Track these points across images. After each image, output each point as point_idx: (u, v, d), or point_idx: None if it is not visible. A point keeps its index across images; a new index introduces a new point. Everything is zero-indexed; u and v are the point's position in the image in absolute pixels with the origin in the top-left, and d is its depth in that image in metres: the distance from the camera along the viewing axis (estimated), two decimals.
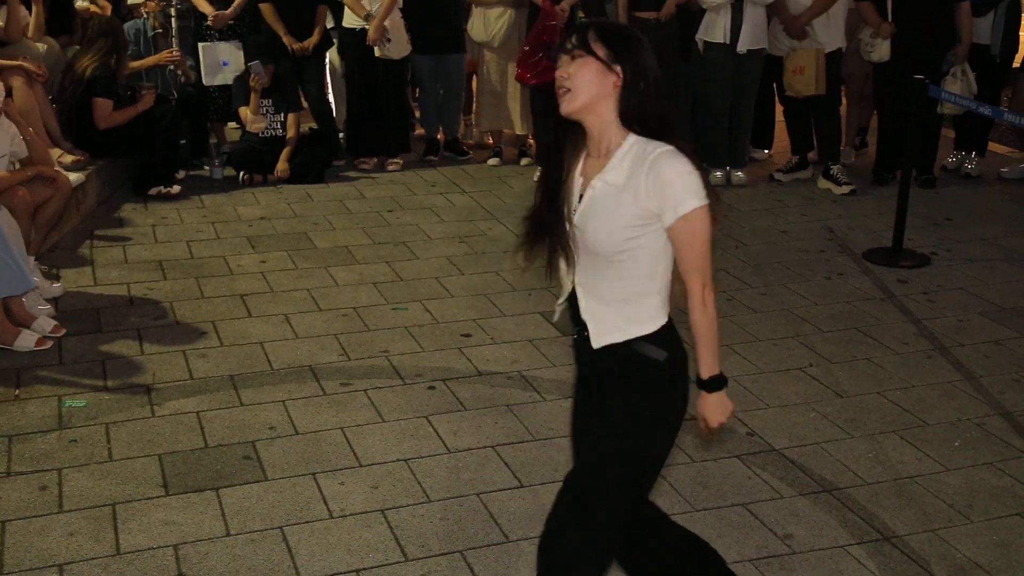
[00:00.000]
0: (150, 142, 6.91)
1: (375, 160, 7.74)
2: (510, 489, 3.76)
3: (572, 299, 2.74)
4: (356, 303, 5.36)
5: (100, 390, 4.42)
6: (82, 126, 6.71)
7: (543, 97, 7.33)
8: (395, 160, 7.76)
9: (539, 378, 4.59)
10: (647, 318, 2.61)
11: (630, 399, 2.63)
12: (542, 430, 4.16)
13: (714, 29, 7.02)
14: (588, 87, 2.50)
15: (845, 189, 7.20)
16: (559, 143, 2.67)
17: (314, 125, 7.79)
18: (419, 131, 8.30)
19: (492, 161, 7.89)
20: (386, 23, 7.28)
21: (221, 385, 4.48)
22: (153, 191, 6.92)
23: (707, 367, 2.63)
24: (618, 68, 2.50)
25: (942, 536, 3.53)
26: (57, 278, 5.52)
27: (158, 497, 3.68)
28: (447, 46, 7.73)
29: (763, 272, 5.81)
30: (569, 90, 2.52)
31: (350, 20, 7.43)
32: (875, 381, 4.61)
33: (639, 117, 2.52)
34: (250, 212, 6.73)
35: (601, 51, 2.50)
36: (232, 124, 7.93)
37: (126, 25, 7.45)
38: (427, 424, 4.19)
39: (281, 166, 7.29)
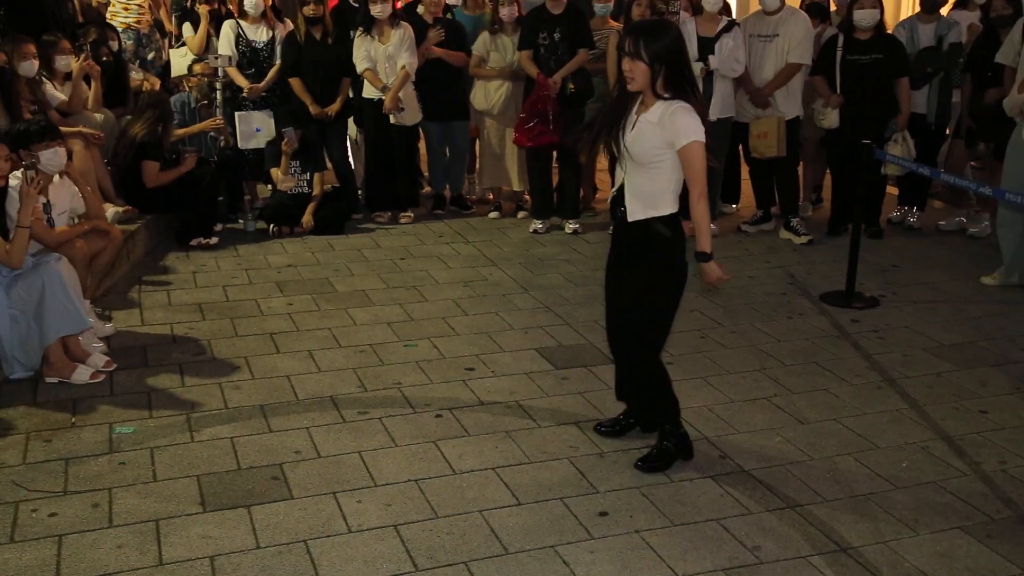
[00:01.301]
0: (192, 199, 6.93)
1: (389, 214, 7.76)
2: (509, 507, 3.74)
3: (620, 190, 3.88)
4: (372, 340, 5.35)
5: (146, 418, 4.41)
6: (133, 185, 6.74)
7: (538, 158, 7.37)
8: (407, 214, 7.77)
9: (535, 407, 4.58)
10: (663, 207, 3.77)
11: (651, 263, 3.82)
12: (537, 454, 4.14)
13: None
14: (639, 77, 3.69)
15: (804, 239, 7.21)
16: (622, 98, 3.79)
17: (336, 183, 7.81)
18: (427, 189, 8.32)
19: (493, 215, 7.91)
20: (400, 94, 7.33)
21: (252, 413, 4.47)
22: (194, 242, 6.93)
23: (701, 244, 3.79)
24: (647, 61, 3.64)
25: (892, 547, 3.50)
26: (109, 319, 5.51)
27: (196, 514, 3.66)
28: (453, 114, 7.78)
29: (732, 313, 5.81)
30: (632, 79, 3.70)
31: (369, 91, 7.48)
32: (832, 409, 4.59)
33: (663, 86, 3.69)
34: (279, 260, 6.73)
35: (641, 53, 3.64)
36: (262, 185, 7.95)
37: (172, 98, 7.51)
38: (435, 448, 4.17)
39: (306, 219, 7.31)
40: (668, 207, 3.79)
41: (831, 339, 5.43)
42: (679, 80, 3.68)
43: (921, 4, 7.34)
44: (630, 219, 3.81)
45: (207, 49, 7.71)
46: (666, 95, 3.69)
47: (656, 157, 3.72)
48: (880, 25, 6.97)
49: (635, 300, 3.87)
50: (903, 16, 9.62)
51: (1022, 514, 3.73)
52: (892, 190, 7.82)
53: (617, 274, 4.00)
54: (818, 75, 7.12)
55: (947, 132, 7.54)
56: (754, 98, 7.12)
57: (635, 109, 3.79)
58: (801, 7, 7.48)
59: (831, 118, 7.07)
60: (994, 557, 3.46)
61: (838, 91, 7.03)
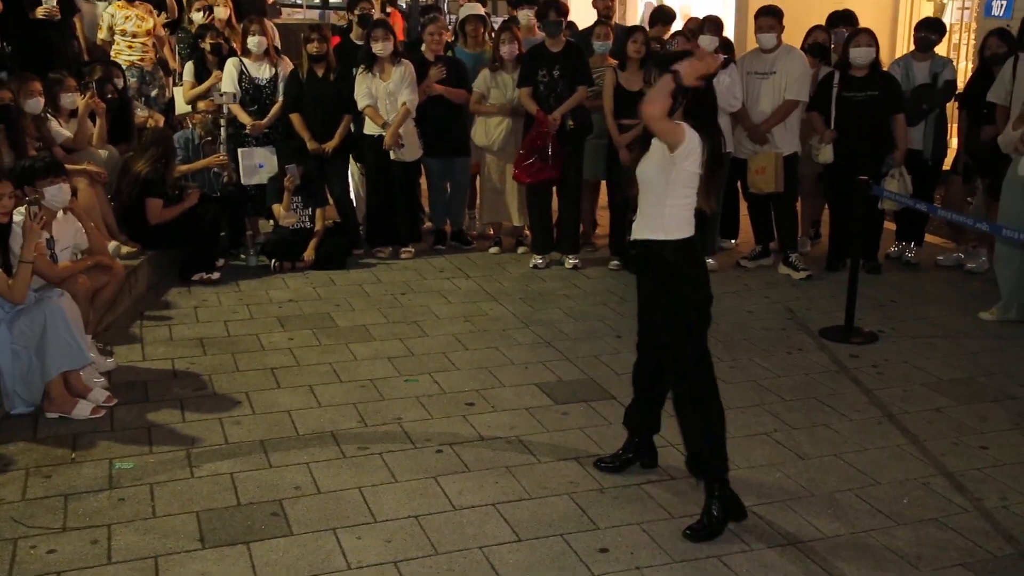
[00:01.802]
0: (194, 234, 6.95)
1: (390, 249, 7.77)
2: (509, 543, 3.71)
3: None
4: (373, 375, 5.34)
5: (146, 454, 4.39)
6: (136, 221, 6.76)
7: (537, 193, 7.40)
8: (408, 249, 7.78)
9: (535, 442, 4.56)
10: (673, 231, 3.80)
11: (663, 291, 3.88)
12: (537, 489, 4.11)
13: None
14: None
15: (802, 274, 7.22)
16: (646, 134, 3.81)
17: (337, 219, 7.83)
18: (428, 224, 8.34)
19: (493, 250, 7.92)
20: (400, 131, 7.37)
21: (253, 449, 4.45)
22: (196, 277, 6.93)
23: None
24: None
25: None
26: (111, 354, 5.50)
27: (195, 550, 3.63)
28: (454, 150, 7.81)
29: (732, 348, 5.80)
30: None
31: (369, 128, 7.52)
32: (832, 445, 4.57)
33: (680, 115, 3.71)
34: (280, 295, 6.73)
35: None
36: (264, 221, 7.98)
37: (176, 135, 7.54)
38: (435, 484, 4.15)
39: (308, 254, 7.32)
40: (678, 231, 3.80)
41: (830, 374, 5.42)
42: (697, 109, 3.73)
43: (915, 43, 7.39)
44: (632, 236, 3.89)
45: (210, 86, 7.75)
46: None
47: (659, 176, 3.75)
48: (875, 63, 7.02)
49: (671, 336, 3.90)
50: (898, 54, 9.69)
51: None
52: (890, 226, 7.84)
53: (642, 309, 4.06)
54: (814, 111, 7.17)
55: (944, 168, 7.58)
56: (752, 134, 7.16)
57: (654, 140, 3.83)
58: (803, 47, 7.53)
59: (825, 153, 7.11)
60: None
61: (832, 127, 7.07)
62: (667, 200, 3.77)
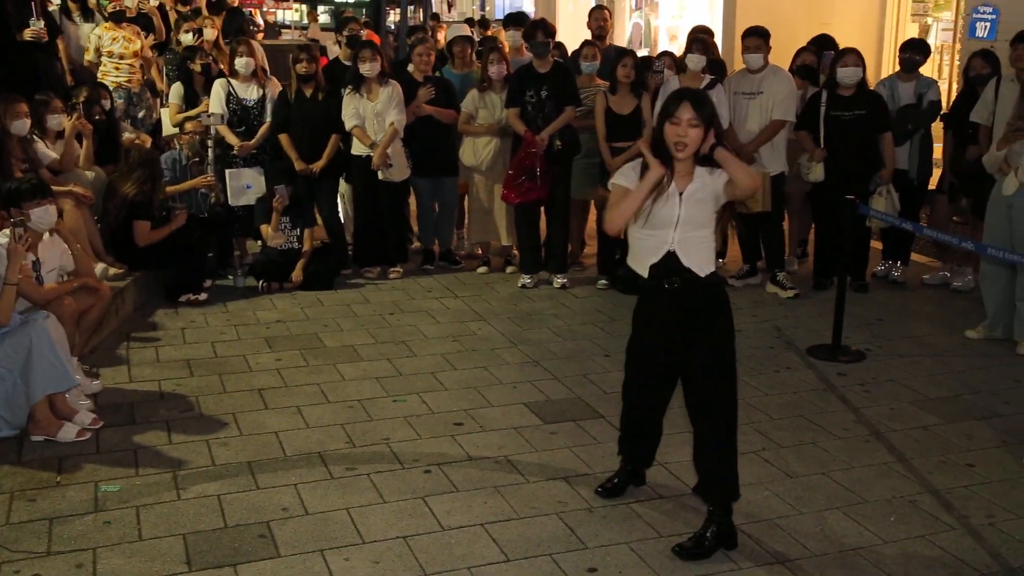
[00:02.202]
0: (181, 255, 6.94)
1: (378, 269, 7.78)
2: (497, 563, 3.71)
3: (661, 263, 3.83)
4: (361, 396, 5.34)
5: (132, 476, 4.38)
6: (123, 243, 6.76)
7: (526, 213, 7.43)
8: (396, 269, 7.80)
9: (523, 462, 4.56)
10: (714, 263, 3.84)
11: (724, 325, 3.82)
12: (526, 509, 4.12)
13: None
14: (692, 143, 3.68)
15: (790, 293, 7.26)
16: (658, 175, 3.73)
17: (326, 239, 7.85)
18: (416, 244, 8.36)
19: (481, 269, 7.94)
20: (388, 151, 7.40)
21: (240, 471, 4.44)
22: (183, 298, 6.93)
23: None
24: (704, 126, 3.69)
25: None
26: (97, 376, 5.49)
27: (182, 573, 3.62)
28: (443, 169, 7.85)
29: None
30: (686, 145, 3.65)
31: (357, 148, 7.55)
32: (820, 463, 4.59)
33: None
34: (268, 316, 6.73)
35: (696, 119, 3.65)
36: (252, 241, 7.98)
37: (163, 155, 7.56)
38: (423, 504, 4.15)
39: (296, 275, 7.33)
40: (715, 263, 3.85)
41: (818, 392, 5.45)
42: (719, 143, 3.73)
43: (901, 64, 7.47)
44: (704, 275, 3.76)
45: (196, 107, 7.77)
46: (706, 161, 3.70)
47: (708, 208, 3.74)
48: (863, 82, 7.10)
49: (719, 368, 3.80)
50: (884, 75, 9.78)
51: (1011, 568, 3.72)
52: (876, 244, 7.89)
53: (677, 345, 3.85)
54: (803, 130, 7.23)
55: (929, 188, 7.64)
56: (739, 154, 7.19)
57: (670, 181, 3.72)
58: (790, 68, 7.60)
59: (816, 172, 7.17)
60: None
61: (822, 145, 7.14)
62: (709, 231, 3.78)
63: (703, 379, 3.81)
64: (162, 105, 8.86)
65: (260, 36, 11.01)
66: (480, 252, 8.15)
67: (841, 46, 7.71)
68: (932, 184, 7.70)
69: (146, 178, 6.79)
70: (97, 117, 7.18)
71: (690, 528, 3.94)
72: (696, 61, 7.06)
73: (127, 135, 7.88)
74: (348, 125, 7.45)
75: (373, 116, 7.41)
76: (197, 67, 7.86)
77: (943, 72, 11.82)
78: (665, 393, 4.04)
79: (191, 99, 7.84)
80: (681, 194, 3.71)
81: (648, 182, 3.67)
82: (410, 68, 7.79)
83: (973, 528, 4.01)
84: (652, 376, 4.01)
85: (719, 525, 3.81)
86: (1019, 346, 6.08)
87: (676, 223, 3.71)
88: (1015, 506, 4.19)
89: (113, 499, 4.16)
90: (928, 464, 4.58)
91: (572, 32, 9.71)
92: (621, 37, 15.23)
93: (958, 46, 10.46)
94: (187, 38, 8.61)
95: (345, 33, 8.63)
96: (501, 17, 15.72)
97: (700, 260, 3.77)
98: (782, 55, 7.84)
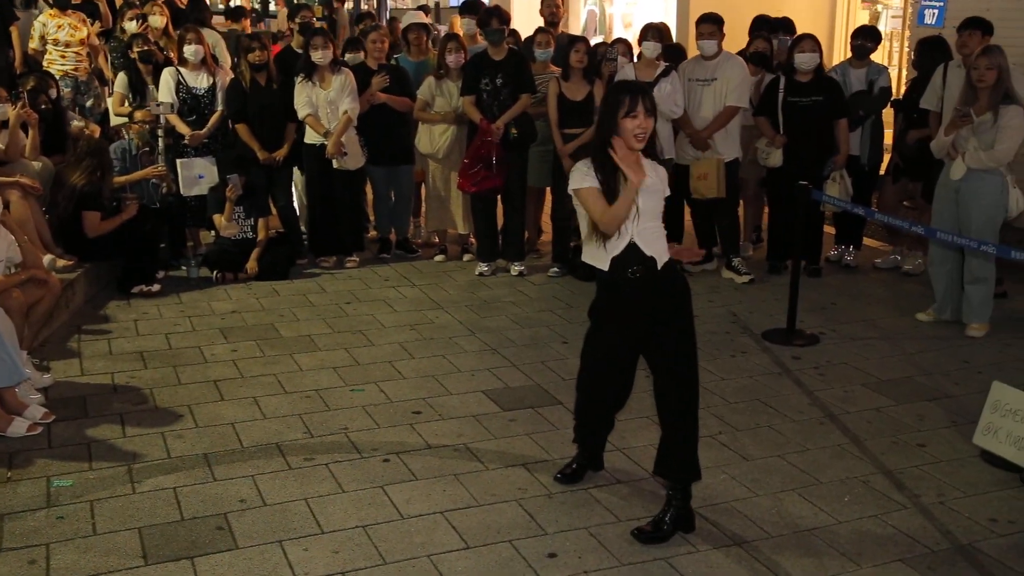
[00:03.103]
0: (133, 246, 6.86)
1: (335, 258, 7.74)
2: (457, 550, 3.72)
3: (622, 255, 3.85)
4: (318, 386, 5.31)
5: (85, 470, 4.32)
6: (72, 234, 6.65)
7: (482, 201, 7.42)
8: (352, 258, 7.76)
9: (482, 449, 4.57)
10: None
11: (687, 312, 3.92)
12: (485, 496, 4.13)
13: None
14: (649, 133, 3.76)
15: (745, 278, 7.34)
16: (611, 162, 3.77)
17: (281, 228, 7.78)
18: (373, 233, 8.33)
19: (438, 258, 7.93)
20: (342, 139, 7.35)
21: (196, 463, 4.40)
22: (136, 289, 6.84)
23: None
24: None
25: None
26: (47, 369, 5.41)
27: (138, 567, 3.59)
28: (398, 158, 7.82)
29: None
30: (647, 137, 3.73)
31: (311, 137, 7.49)
32: (775, 446, 4.65)
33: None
34: (222, 307, 6.67)
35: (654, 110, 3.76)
36: (205, 232, 7.89)
37: (113, 145, 7.44)
38: (383, 493, 4.15)
39: (250, 265, 7.26)
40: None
41: (773, 376, 5.52)
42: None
43: (852, 50, 7.57)
44: (660, 265, 3.82)
45: (145, 97, 7.65)
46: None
47: (662, 205, 3.87)
48: (819, 68, 7.18)
49: (685, 354, 3.88)
50: (835, 62, 9.90)
51: (960, 546, 3.81)
52: (829, 229, 8.00)
53: (643, 333, 3.90)
54: (762, 116, 7.30)
55: (880, 173, 7.76)
56: (693, 140, 7.26)
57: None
58: (744, 55, 7.66)
59: (775, 157, 7.25)
60: None
61: (781, 131, 7.21)
62: (660, 221, 3.87)
63: (672, 364, 3.86)
64: (110, 94, 8.73)
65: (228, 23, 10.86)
66: (437, 240, 8.14)
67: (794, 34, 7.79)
68: (883, 170, 7.81)
69: (95, 168, 6.69)
70: (43, 106, 7.06)
71: (648, 512, 3.99)
72: (651, 49, 7.10)
73: (75, 124, 7.74)
74: (301, 114, 7.39)
75: (326, 104, 7.35)
76: (135, 54, 7.69)
77: (893, 59, 12.00)
78: (624, 386, 4.10)
79: (136, 88, 7.70)
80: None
81: (635, 185, 3.67)
82: (361, 55, 7.71)
83: (924, 507, 4.10)
84: (613, 369, 4.03)
85: (677, 509, 3.85)
86: (968, 328, 6.21)
87: (636, 215, 3.75)
88: (964, 485, 4.29)
89: (66, 494, 4.11)
90: (880, 445, 4.67)
91: (526, 19, 9.70)
92: (576, 24, 15.24)
93: (907, 33, 10.61)
94: (131, 26, 8.48)
95: (298, 20, 8.54)
96: (456, 4, 15.63)
97: (659, 250, 3.82)
98: (736, 42, 7.90)
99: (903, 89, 8.73)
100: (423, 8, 15.34)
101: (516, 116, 7.20)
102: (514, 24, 8.14)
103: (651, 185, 3.78)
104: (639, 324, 3.88)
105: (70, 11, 8.90)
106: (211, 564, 3.61)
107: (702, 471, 3.98)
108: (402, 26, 8.66)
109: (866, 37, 7.55)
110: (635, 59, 7.49)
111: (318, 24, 9.14)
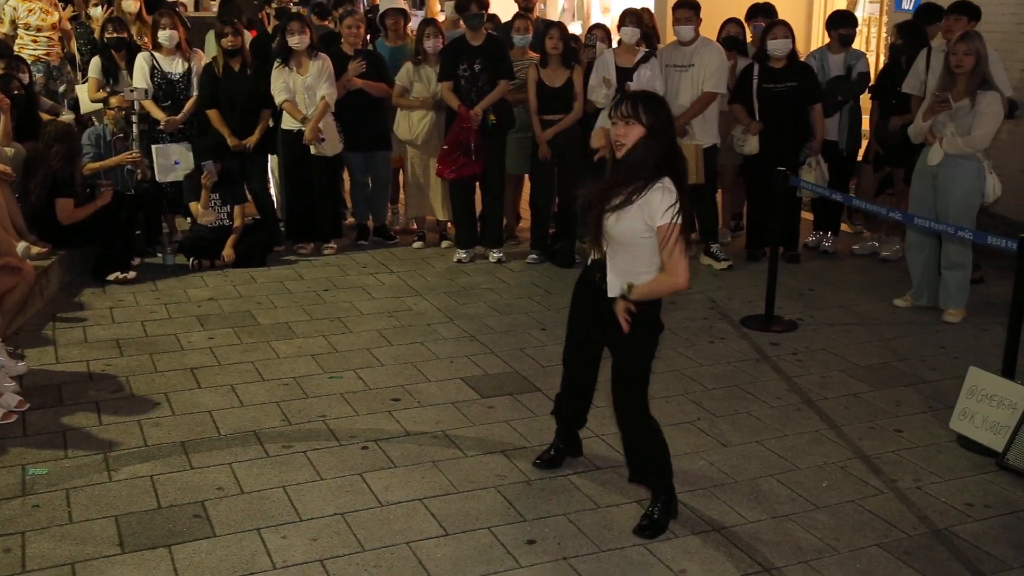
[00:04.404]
0: (108, 233, 6.80)
1: (312, 245, 7.71)
2: (436, 537, 3.72)
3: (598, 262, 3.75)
4: (296, 373, 5.29)
5: (61, 458, 4.29)
6: (46, 221, 6.58)
7: (461, 187, 7.41)
8: (330, 245, 7.73)
9: (461, 436, 4.57)
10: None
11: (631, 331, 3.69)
12: (464, 483, 4.13)
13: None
14: (631, 142, 3.55)
15: (724, 265, 7.36)
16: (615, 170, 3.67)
17: (257, 215, 7.74)
18: (350, 219, 8.30)
19: (417, 244, 7.92)
20: (320, 125, 7.31)
21: (173, 451, 4.38)
22: (111, 277, 6.79)
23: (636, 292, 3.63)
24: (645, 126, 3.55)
25: (814, 566, 3.58)
26: (22, 357, 5.35)
27: (114, 555, 3.57)
28: (375, 144, 7.79)
29: None
30: (623, 144, 3.55)
31: (288, 122, 7.44)
32: (754, 431, 4.68)
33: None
34: (199, 294, 6.63)
35: (640, 117, 3.54)
36: (181, 218, 7.83)
37: (87, 131, 7.36)
38: (361, 481, 4.14)
39: (227, 252, 7.22)
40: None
41: (752, 362, 5.54)
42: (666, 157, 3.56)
43: (838, 39, 7.55)
44: (610, 294, 3.68)
45: (118, 82, 7.57)
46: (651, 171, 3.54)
47: (637, 238, 3.58)
48: (793, 54, 7.19)
49: (620, 358, 3.80)
50: (813, 47, 9.93)
51: (937, 530, 3.85)
52: (807, 215, 8.03)
53: (589, 322, 3.90)
54: (737, 103, 7.31)
55: (858, 159, 7.80)
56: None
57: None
58: (718, 39, 7.67)
59: (751, 144, 7.26)
60: (911, 573, 3.56)
61: (757, 118, 7.23)
62: (654, 260, 3.63)
63: (614, 375, 3.84)
64: (84, 79, 8.63)
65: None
66: (415, 227, 8.12)
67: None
68: (861, 155, 7.85)
69: (64, 153, 6.61)
70: (15, 92, 6.97)
71: (626, 498, 4.00)
72: (630, 34, 7.09)
73: (57, 108, 7.64)
74: (278, 100, 7.35)
75: (303, 90, 7.31)
76: (108, 40, 7.57)
77: (871, 44, 12.03)
78: (593, 361, 4.06)
79: (110, 73, 7.61)
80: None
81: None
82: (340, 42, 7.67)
83: (901, 492, 4.14)
84: (581, 345, 4.04)
85: (662, 504, 3.82)
86: (945, 314, 6.26)
87: (606, 232, 3.72)
88: (941, 470, 4.33)
89: (41, 482, 4.08)
90: (858, 430, 4.71)
91: (504, 5, 9.66)
92: (554, 10, 15.21)
93: (885, 19, 10.65)
94: (96, 12, 8.38)
95: (274, 5, 8.48)
96: None
97: (614, 279, 3.70)
98: (713, 28, 7.91)
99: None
100: None
101: (495, 102, 7.18)
102: (492, 10, 8.09)
103: (625, 214, 3.56)
104: (594, 322, 3.87)
105: None
106: (188, 552, 3.59)
107: (681, 457, 4.00)
108: (380, 11, 8.60)
109: (846, 23, 7.56)
110: (614, 45, 7.48)
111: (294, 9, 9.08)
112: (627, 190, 3.56)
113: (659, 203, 3.50)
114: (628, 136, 3.54)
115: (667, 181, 3.53)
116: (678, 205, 3.51)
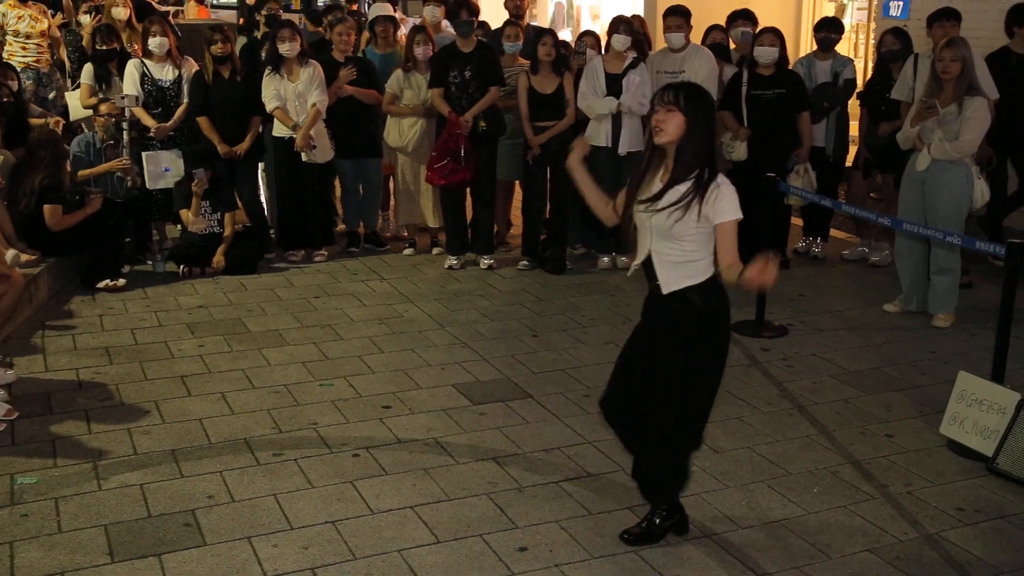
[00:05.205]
0: (97, 240, 6.77)
1: (303, 252, 7.69)
2: (428, 545, 3.71)
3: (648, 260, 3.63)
4: (287, 381, 5.27)
5: (50, 467, 4.26)
6: (36, 228, 6.55)
7: (451, 194, 7.40)
8: (321, 252, 7.71)
9: (453, 443, 4.56)
10: (699, 273, 3.57)
11: (692, 347, 3.58)
12: (456, 490, 4.12)
13: (597, 134, 7.18)
14: (671, 128, 3.50)
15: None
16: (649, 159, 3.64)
17: (247, 222, 7.72)
18: (341, 226, 8.28)
19: (407, 251, 7.90)
20: (311, 132, 7.30)
21: (163, 459, 4.36)
22: (100, 284, 6.75)
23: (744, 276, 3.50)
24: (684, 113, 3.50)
25: (806, 572, 3.58)
26: (11, 366, 5.31)
27: (104, 565, 3.54)
28: (366, 151, 7.77)
29: None
30: (663, 130, 3.49)
31: (279, 130, 7.43)
32: (745, 437, 4.68)
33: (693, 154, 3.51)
34: (189, 301, 6.60)
35: (680, 104, 3.47)
36: (172, 226, 7.80)
37: (77, 138, 7.33)
38: (352, 488, 4.12)
39: (218, 259, 7.19)
40: (705, 272, 3.57)
41: (742, 368, 5.54)
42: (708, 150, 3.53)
43: (817, 43, 7.60)
44: (665, 291, 3.57)
45: (111, 88, 7.54)
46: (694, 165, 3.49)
47: (687, 233, 3.51)
48: (782, 61, 7.21)
49: (672, 392, 3.60)
50: (801, 54, 9.96)
51: (927, 535, 3.85)
52: (796, 221, 8.05)
53: (647, 350, 3.68)
54: (725, 110, 7.32)
55: (846, 165, 7.81)
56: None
57: (659, 176, 3.57)
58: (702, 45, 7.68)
59: (740, 151, 7.26)
60: None
61: (745, 125, 7.24)
62: (707, 245, 3.60)
63: (656, 394, 3.64)
64: (74, 86, 8.60)
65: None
66: (406, 234, 8.10)
67: (760, 26, 7.81)
68: (849, 161, 7.87)
69: (50, 160, 6.57)
70: (5, 99, 6.94)
71: (619, 504, 4.00)
72: (621, 42, 7.10)
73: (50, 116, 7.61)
74: (269, 107, 7.33)
75: (294, 97, 7.30)
76: (88, 44, 7.54)
77: (859, 51, 12.09)
78: (630, 396, 3.75)
79: (103, 80, 7.59)
80: (660, 196, 3.64)
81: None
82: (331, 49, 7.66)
83: (892, 497, 4.14)
84: (622, 371, 3.80)
85: (663, 517, 3.75)
86: (934, 319, 6.27)
87: (648, 228, 3.65)
88: (932, 475, 4.34)
89: (30, 491, 4.05)
90: (849, 436, 4.71)
91: (495, 11, 9.68)
92: (544, 17, 15.23)
93: (873, 25, 10.70)
94: (85, 19, 8.35)
95: (264, 12, 8.46)
96: None
97: (666, 273, 3.61)
98: (696, 35, 7.91)
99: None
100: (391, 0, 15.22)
101: (485, 109, 7.17)
102: (482, 16, 8.11)
103: (665, 200, 3.51)
104: (644, 339, 3.72)
105: (31, 2, 8.77)
106: (179, 561, 3.57)
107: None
108: (369, 18, 8.60)
109: (829, 29, 7.60)
110: (603, 51, 7.49)
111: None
112: (680, 189, 3.49)
113: (725, 202, 3.49)
114: (668, 123, 3.49)
115: (722, 178, 3.54)
116: (737, 202, 3.53)
